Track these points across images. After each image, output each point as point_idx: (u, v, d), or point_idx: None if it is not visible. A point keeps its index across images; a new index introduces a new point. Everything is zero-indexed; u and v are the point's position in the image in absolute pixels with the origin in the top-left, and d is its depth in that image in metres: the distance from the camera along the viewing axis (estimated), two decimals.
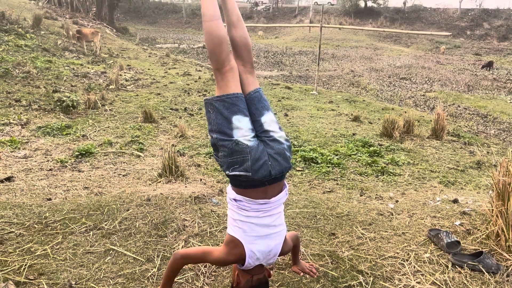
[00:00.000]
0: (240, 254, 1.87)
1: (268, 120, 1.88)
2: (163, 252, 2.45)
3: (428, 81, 19.87)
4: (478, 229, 2.68)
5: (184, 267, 2.21)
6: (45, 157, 5.18)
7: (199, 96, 10.18)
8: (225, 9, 1.95)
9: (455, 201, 3.36)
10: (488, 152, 7.14)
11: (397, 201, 3.56)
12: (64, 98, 7.51)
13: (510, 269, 2.27)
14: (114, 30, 24.28)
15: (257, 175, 1.78)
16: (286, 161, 1.86)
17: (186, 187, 4.18)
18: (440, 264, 2.35)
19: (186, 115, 8.30)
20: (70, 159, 5.17)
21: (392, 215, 3.10)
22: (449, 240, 2.48)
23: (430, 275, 2.24)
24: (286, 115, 8.69)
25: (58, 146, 5.70)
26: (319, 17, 43.61)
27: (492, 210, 2.53)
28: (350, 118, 8.58)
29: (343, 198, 3.69)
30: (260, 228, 1.89)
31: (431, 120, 8.13)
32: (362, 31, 37.47)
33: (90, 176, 4.81)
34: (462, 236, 2.61)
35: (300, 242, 2.34)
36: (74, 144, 5.85)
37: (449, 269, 2.30)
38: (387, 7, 42.53)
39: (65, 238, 2.57)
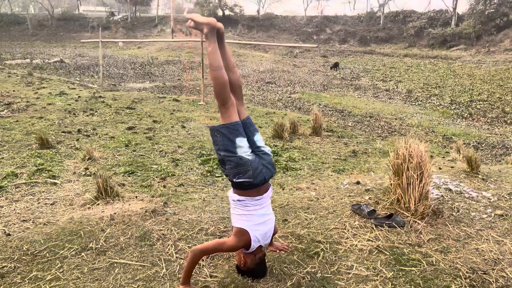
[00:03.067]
0: (247, 240, 2.50)
1: (259, 139, 2.55)
2: (163, 256, 2.90)
3: (290, 84, 22.06)
4: (382, 200, 3.72)
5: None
6: None
7: (87, 116, 9.98)
8: (223, 58, 2.54)
9: (358, 182, 4.43)
10: (357, 142, 8.75)
11: (315, 189, 4.48)
12: None
13: (410, 222, 3.32)
14: None
15: (257, 180, 2.43)
16: (273, 168, 2.55)
17: (130, 205, 4.49)
18: (367, 227, 3.29)
19: (82, 137, 8.19)
20: None
21: (318, 199, 3.99)
22: (368, 210, 3.45)
23: (364, 235, 3.16)
24: (183, 127, 9.19)
25: None
26: (180, 25, 44.25)
27: (391, 184, 3.58)
28: None
29: (274, 193, 4.48)
30: (259, 217, 2.53)
31: (308, 120, 9.51)
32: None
33: (14, 209, 4.73)
34: (373, 206, 3.61)
35: None
36: None
37: (374, 229, 3.25)
38: (243, 15, 45.28)
39: (62, 262, 2.82)
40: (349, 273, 2.68)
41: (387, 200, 3.62)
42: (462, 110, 17.63)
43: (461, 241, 3.10)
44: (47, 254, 2.93)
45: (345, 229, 3.28)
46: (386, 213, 3.47)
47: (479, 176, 4.48)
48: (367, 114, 14.58)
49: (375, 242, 3.05)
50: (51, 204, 4.90)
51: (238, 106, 2.55)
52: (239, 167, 2.42)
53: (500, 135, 13.80)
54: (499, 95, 20.98)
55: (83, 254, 2.93)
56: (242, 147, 2.43)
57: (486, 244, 3.03)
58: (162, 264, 2.80)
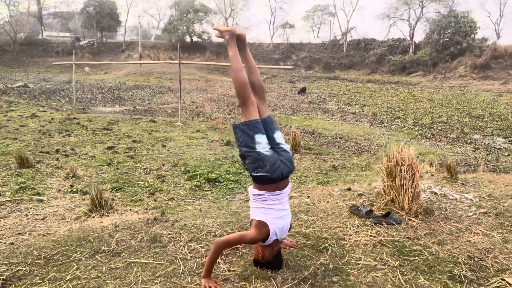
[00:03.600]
0: (266, 232, 2.64)
1: (279, 136, 2.73)
2: (178, 255, 2.97)
3: None
4: (376, 202, 3.96)
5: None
6: None
7: (64, 137, 9.83)
8: (246, 61, 2.73)
9: (349, 189, 4.66)
10: (334, 158, 9.07)
11: (308, 197, 4.68)
12: None
13: (406, 219, 3.56)
14: None
15: (274, 175, 2.60)
16: (292, 165, 2.72)
17: (126, 216, 4.51)
18: (367, 225, 3.50)
19: (61, 156, 8.07)
20: None
21: (315, 204, 4.18)
22: (366, 210, 3.67)
23: (366, 232, 3.36)
24: (164, 146, 9.23)
25: None
26: (148, 51, 44.32)
27: (385, 185, 3.83)
28: (222, 143, 9.64)
29: None
30: (277, 212, 2.69)
31: (288, 138, 9.80)
32: (192, 65, 39.33)
33: (4, 225, 4.65)
34: (383, 208, 3.85)
35: None
36: None
37: (374, 227, 3.46)
38: (211, 41, 45.97)
39: (78, 264, 2.83)
40: (358, 263, 2.86)
41: (381, 202, 3.86)
42: (425, 131, 18.50)
43: (453, 234, 3.35)
44: (60, 257, 2.93)
45: (346, 227, 3.47)
46: (382, 213, 3.70)
47: (459, 181, 4.83)
48: (337, 135, 15.06)
49: (377, 237, 3.26)
50: (42, 219, 4.84)
51: (260, 105, 2.74)
52: (258, 161, 2.58)
53: (462, 153, 14.62)
54: (457, 118, 22.13)
55: (97, 256, 2.96)
56: (261, 143, 2.60)
57: (476, 237, 3.30)
58: (179, 262, 2.87)
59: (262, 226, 2.65)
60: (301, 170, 7.47)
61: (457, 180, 4.86)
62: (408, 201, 3.64)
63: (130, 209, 4.99)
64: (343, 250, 3.06)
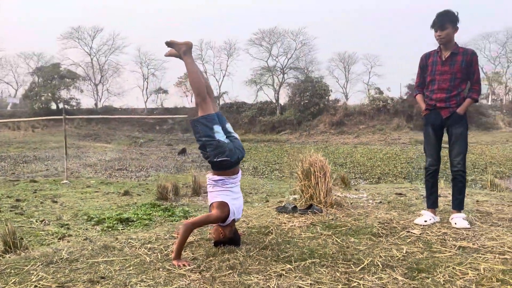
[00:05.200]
0: (227, 211, 3.01)
1: (229, 127, 3.22)
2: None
3: (142, 169, 22.10)
4: (297, 202, 4.58)
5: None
6: None
7: None
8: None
9: (267, 200, 5.22)
10: None
11: None
12: None
13: (324, 209, 4.23)
14: None
15: (233, 159, 3.06)
16: (243, 150, 3.20)
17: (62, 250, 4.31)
18: (295, 216, 4.06)
19: None
20: None
21: (244, 210, 4.62)
22: (292, 206, 4.25)
23: (297, 219, 3.92)
24: (54, 201, 8.66)
25: None
26: (4, 119, 40.28)
27: (303, 184, 4.50)
28: (120, 193, 9.44)
29: None
30: (234, 194, 3.10)
31: (190, 182, 10.05)
32: (59, 133, 36.94)
33: None
34: (305, 203, 4.45)
35: None
36: None
37: (301, 216, 4.04)
38: (80, 108, 44.06)
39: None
40: (300, 236, 3.38)
41: (301, 200, 4.49)
42: None
43: (363, 215, 4.12)
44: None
45: (280, 220, 3.98)
46: (306, 206, 4.32)
47: (352, 188, 5.79)
48: None
49: (307, 221, 3.84)
50: None
51: (213, 102, 3.20)
52: (218, 148, 3.01)
53: None
54: None
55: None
56: (219, 133, 3.05)
57: (380, 215, 4.11)
58: (200, 262, 3.03)
59: (223, 206, 3.02)
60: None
61: (350, 188, 5.82)
62: (324, 195, 4.34)
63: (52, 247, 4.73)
64: (284, 231, 3.55)
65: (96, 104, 45.30)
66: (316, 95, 39.87)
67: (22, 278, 2.64)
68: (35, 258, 3.07)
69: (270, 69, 45.59)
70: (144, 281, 2.54)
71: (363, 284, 2.40)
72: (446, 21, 3.58)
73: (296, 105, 40.72)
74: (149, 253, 3.13)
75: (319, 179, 4.38)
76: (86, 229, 6.24)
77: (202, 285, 2.45)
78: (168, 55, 3.28)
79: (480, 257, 2.81)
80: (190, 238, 3.36)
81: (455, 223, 3.56)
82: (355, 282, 2.43)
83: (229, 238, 3.09)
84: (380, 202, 4.77)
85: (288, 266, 2.69)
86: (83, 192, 9.85)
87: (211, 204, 3.10)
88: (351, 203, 4.67)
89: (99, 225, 6.43)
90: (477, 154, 25.85)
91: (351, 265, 2.70)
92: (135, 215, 6.72)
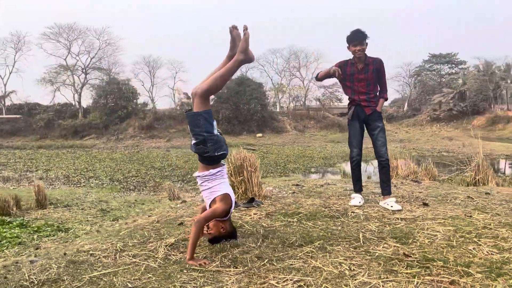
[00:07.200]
0: (231, 203, 2.99)
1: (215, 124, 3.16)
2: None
3: None
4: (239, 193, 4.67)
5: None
6: None
7: None
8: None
9: (184, 201, 5.08)
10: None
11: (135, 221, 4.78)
12: None
13: (237, 201, 4.47)
14: None
15: (227, 151, 3.09)
16: (227, 145, 3.18)
17: None
18: (242, 211, 4.17)
19: None
20: None
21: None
22: (244, 202, 4.35)
23: (248, 213, 4.05)
24: None
25: None
26: None
27: (236, 181, 4.62)
28: None
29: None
30: (228, 184, 3.10)
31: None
32: None
33: None
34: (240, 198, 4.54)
35: None
36: None
37: (250, 210, 4.18)
38: None
39: None
40: (274, 225, 3.57)
41: (237, 194, 4.61)
42: (125, 185, 19.42)
43: (297, 203, 4.53)
44: None
45: (236, 215, 4.02)
46: (245, 201, 4.46)
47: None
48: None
49: (259, 213, 4.02)
50: None
51: None
52: (218, 143, 3.00)
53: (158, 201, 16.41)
54: (145, 171, 24.23)
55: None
56: (216, 128, 3.03)
57: (313, 202, 4.57)
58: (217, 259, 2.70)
59: (226, 197, 2.99)
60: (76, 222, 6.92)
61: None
62: (257, 188, 4.57)
63: None
64: (246, 222, 3.69)
65: None
66: (124, 98, 38.50)
67: None
68: None
69: (70, 68, 41.60)
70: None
71: (381, 254, 2.80)
72: (364, 38, 4.33)
73: (101, 108, 38.41)
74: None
75: (251, 173, 4.59)
76: None
77: (249, 278, 2.42)
78: (235, 35, 3.19)
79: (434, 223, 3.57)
80: (172, 240, 3.13)
81: (391, 206, 4.25)
82: (375, 252, 2.81)
83: (230, 232, 3.05)
84: (299, 191, 5.28)
85: (308, 248, 2.88)
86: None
87: (213, 199, 2.99)
88: (273, 195, 5.02)
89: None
90: (275, 153, 29.72)
91: (353, 241, 3.07)
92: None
